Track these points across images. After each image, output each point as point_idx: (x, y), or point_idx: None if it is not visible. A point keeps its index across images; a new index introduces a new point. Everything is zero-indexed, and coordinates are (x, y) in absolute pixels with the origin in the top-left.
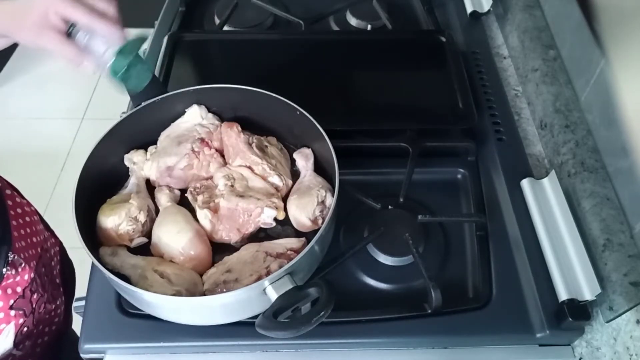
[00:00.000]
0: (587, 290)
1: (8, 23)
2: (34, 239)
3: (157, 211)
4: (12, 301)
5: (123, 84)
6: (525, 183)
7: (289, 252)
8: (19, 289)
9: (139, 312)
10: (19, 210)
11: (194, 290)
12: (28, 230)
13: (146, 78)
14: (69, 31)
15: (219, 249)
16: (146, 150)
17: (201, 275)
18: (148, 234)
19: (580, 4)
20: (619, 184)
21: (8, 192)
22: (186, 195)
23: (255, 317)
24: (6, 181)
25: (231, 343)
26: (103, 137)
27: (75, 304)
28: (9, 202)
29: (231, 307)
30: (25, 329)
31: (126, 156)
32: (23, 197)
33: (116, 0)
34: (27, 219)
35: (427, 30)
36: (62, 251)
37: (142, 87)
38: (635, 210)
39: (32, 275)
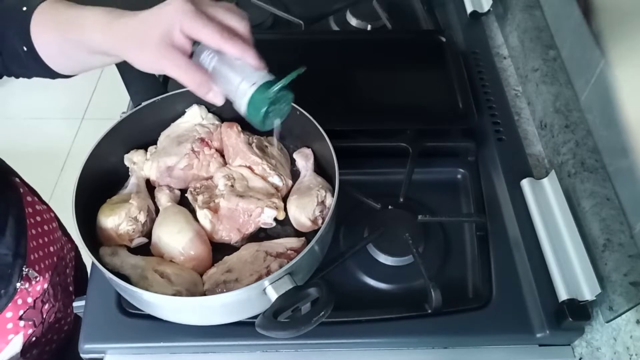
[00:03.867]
0: (587, 290)
1: (124, 41)
2: (51, 249)
3: (157, 211)
4: (22, 312)
5: (259, 122)
6: (525, 183)
7: (289, 251)
8: (29, 300)
9: (139, 312)
10: (38, 219)
11: (194, 290)
12: (45, 239)
13: (285, 112)
14: (192, 50)
15: (219, 249)
16: (146, 150)
17: (201, 275)
18: (148, 234)
19: (580, 4)
20: (619, 184)
21: (29, 198)
22: (186, 195)
23: (255, 317)
24: (28, 186)
25: (231, 343)
26: (103, 137)
27: (75, 304)
28: (29, 210)
29: (231, 307)
30: (34, 338)
31: (126, 156)
32: (44, 203)
33: (247, 19)
34: (45, 227)
35: (427, 30)
36: (77, 255)
37: (278, 123)
38: (635, 210)
39: (46, 286)
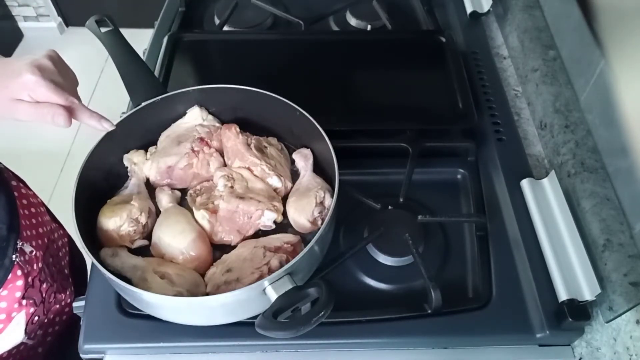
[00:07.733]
0: (587, 291)
1: None
2: (40, 230)
3: (157, 212)
4: (21, 291)
5: None
6: (525, 183)
7: (285, 245)
8: (29, 279)
9: (139, 312)
10: (24, 202)
11: (196, 291)
12: (34, 220)
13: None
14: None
15: (218, 247)
16: (146, 151)
17: (202, 275)
18: (148, 235)
19: (580, 4)
20: (619, 184)
21: (14, 183)
22: (186, 197)
23: (255, 317)
24: (12, 172)
25: (231, 343)
26: (103, 137)
27: (75, 304)
28: (16, 193)
29: (231, 307)
30: (36, 318)
31: (126, 156)
32: (29, 189)
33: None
34: (33, 210)
35: (427, 30)
36: (71, 243)
37: None
38: (635, 210)
39: (40, 264)
